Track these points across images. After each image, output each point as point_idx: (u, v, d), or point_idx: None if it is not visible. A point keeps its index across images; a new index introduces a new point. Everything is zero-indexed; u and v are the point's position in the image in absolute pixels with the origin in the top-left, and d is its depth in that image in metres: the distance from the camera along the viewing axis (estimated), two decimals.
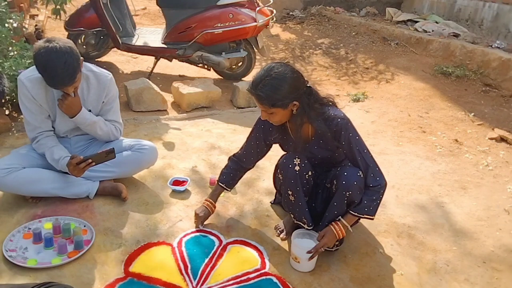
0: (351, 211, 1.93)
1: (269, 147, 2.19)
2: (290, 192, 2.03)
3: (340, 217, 1.95)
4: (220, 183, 2.23)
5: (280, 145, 2.17)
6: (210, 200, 2.21)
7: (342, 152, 2.01)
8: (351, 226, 1.98)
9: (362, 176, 1.90)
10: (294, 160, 1.99)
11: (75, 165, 2.14)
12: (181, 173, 2.69)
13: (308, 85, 1.91)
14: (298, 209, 2.05)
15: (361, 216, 1.93)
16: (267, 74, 1.83)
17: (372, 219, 1.96)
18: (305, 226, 2.06)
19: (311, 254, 1.90)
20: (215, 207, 2.22)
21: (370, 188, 1.90)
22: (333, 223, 1.94)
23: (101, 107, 2.35)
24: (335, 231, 1.92)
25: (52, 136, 2.29)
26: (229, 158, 2.27)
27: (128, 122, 3.33)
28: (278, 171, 2.13)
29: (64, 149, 2.27)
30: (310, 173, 2.02)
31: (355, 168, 1.92)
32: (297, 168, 1.98)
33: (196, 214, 2.19)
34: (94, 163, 2.19)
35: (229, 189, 2.26)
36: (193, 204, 2.39)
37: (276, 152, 2.24)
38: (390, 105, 4.22)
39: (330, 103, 1.98)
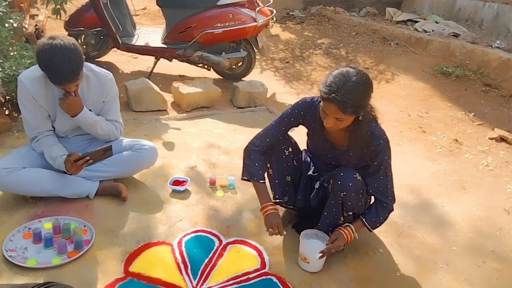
0: (361, 218, 1.98)
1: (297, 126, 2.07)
2: (268, 165, 2.11)
3: (349, 223, 1.98)
4: (260, 181, 2.04)
5: (308, 130, 2.08)
6: (271, 203, 2.02)
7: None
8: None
9: (359, 178, 1.90)
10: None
11: (72, 162, 2.14)
12: (181, 173, 2.69)
13: None
14: (273, 185, 2.14)
15: (368, 225, 1.98)
16: (348, 79, 1.67)
17: (371, 231, 2.02)
18: (273, 200, 2.09)
19: (320, 254, 1.90)
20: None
21: (385, 206, 1.96)
22: (342, 227, 1.97)
23: (101, 107, 2.35)
24: (345, 236, 1.95)
25: (52, 135, 2.28)
26: (248, 152, 2.07)
27: (128, 122, 3.33)
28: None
29: (62, 148, 2.27)
30: (290, 150, 2.08)
31: (353, 170, 1.92)
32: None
33: (274, 224, 1.97)
34: (91, 161, 2.18)
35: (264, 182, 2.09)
36: (193, 204, 2.39)
37: None
38: (390, 105, 4.22)
39: (374, 116, 1.87)
